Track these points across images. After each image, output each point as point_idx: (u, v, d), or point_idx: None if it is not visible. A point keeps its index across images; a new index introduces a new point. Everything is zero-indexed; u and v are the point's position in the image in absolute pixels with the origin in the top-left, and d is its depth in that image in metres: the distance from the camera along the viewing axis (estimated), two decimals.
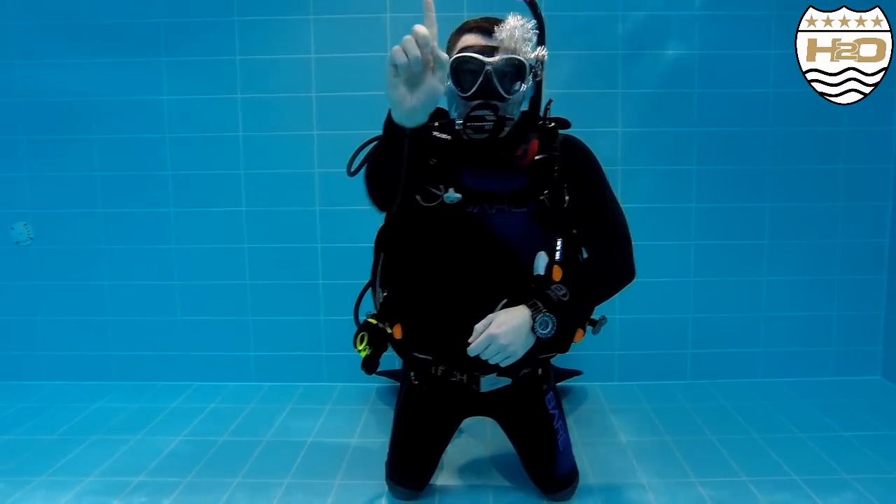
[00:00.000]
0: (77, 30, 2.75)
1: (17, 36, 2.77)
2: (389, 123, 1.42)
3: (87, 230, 2.86)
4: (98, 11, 2.74)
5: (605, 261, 1.75)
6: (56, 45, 2.76)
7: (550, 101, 1.72)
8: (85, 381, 2.89)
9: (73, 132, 2.81)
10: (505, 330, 1.53)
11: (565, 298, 1.60)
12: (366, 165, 1.60)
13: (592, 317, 1.85)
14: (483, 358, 1.55)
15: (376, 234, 1.84)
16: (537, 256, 1.63)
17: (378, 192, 1.57)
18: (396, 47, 1.31)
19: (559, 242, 1.66)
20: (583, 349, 1.94)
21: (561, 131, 1.72)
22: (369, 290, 1.92)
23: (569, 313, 1.62)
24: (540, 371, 1.86)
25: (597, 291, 1.75)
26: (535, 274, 1.62)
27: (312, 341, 2.88)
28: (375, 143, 1.56)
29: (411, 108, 1.37)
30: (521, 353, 1.56)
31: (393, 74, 1.34)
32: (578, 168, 1.72)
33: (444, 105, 1.76)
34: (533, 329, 1.56)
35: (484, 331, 1.54)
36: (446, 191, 1.61)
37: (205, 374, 2.90)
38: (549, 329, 1.57)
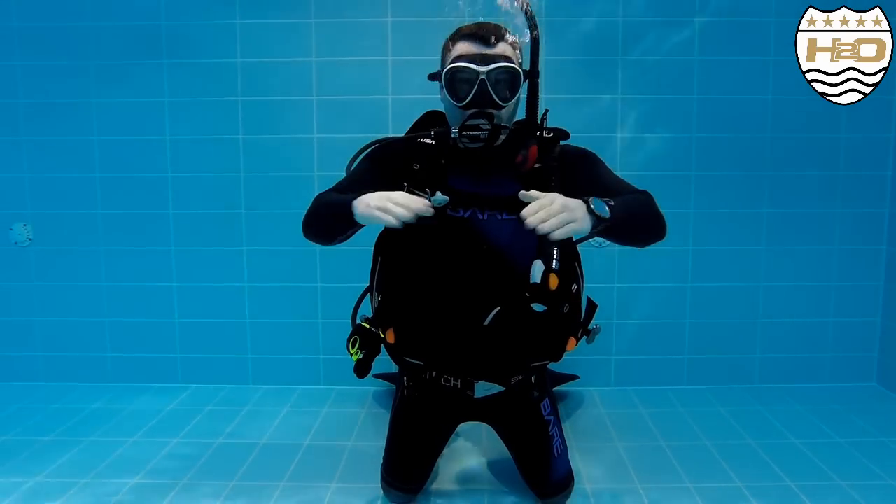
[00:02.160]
0: (79, 32, 2.75)
1: (18, 37, 2.77)
2: (349, 212, 1.52)
3: (86, 231, 2.86)
4: (100, 13, 2.74)
5: (629, 196, 1.65)
6: (57, 47, 2.77)
7: (547, 110, 1.72)
8: (82, 383, 2.90)
9: (73, 133, 2.81)
10: (564, 198, 1.43)
11: (609, 202, 1.50)
12: (311, 212, 1.69)
13: (588, 326, 1.84)
14: (542, 224, 1.40)
15: (376, 238, 1.84)
16: (533, 264, 1.55)
17: (312, 238, 1.73)
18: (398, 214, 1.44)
19: (556, 251, 1.64)
20: (579, 354, 1.94)
21: (561, 142, 1.72)
22: (368, 295, 1.92)
23: (618, 209, 1.51)
24: (533, 378, 1.86)
25: (633, 206, 1.61)
26: (531, 282, 1.58)
27: (310, 344, 2.88)
28: (327, 197, 1.67)
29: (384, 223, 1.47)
30: (582, 223, 1.43)
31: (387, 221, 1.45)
32: (576, 167, 1.72)
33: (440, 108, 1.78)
34: (590, 209, 1.45)
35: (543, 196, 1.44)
36: (433, 194, 1.60)
37: (202, 376, 2.90)
38: (605, 210, 1.45)
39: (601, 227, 1.48)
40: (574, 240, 1.78)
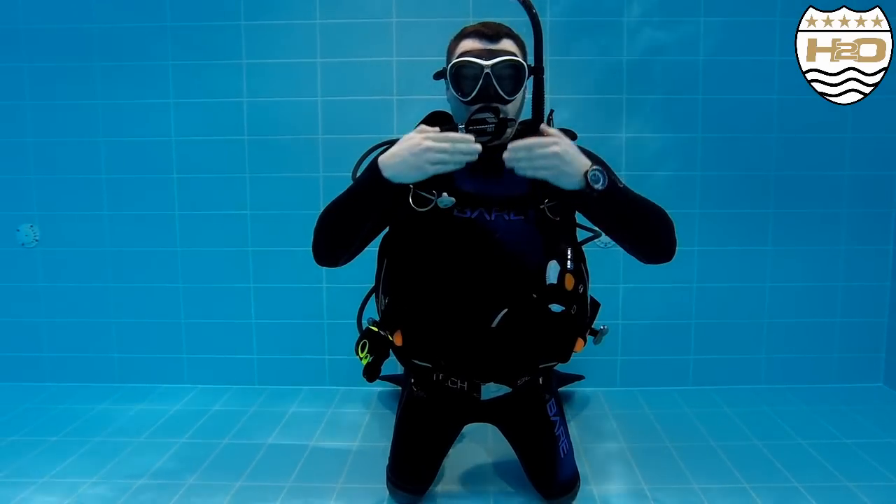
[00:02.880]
0: (85, 34, 2.77)
1: (25, 39, 2.79)
2: (374, 180, 1.51)
3: (92, 232, 2.87)
4: (105, 15, 2.75)
5: (647, 200, 1.66)
6: (63, 49, 2.78)
7: (552, 111, 1.72)
8: (89, 383, 2.91)
9: (79, 135, 2.82)
10: (567, 150, 1.47)
11: (618, 182, 1.53)
12: (319, 227, 1.64)
13: (594, 326, 1.84)
14: (523, 154, 1.46)
15: (381, 240, 1.84)
16: (549, 265, 1.60)
17: (327, 255, 1.66)
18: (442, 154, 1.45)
19: (569, 251, 1.65)
20: (585, 355, 1.94)
21: None
22: (373, 296, 1.92)
23: (619, 187, 1.55)
24: (541, 380, 1.86)
25: (639, 201, 1.62)
26: (547, 283, 1.60)
27: (315, 345, 2.88)
28: (335, 200, 1.62)
29: (425, 174, 1.49)
30: (565, 179, 1.47)
31: (430, 162, 1.45)
32: None
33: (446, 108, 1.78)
34: (586, 174, 1.48)
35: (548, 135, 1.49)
36: (439, 195, 1.61)
37: (208, 376, 2.91)
38: (601, 182, 1.48)
39: (590, 200, 1.49)
40: (579, 240, 1.79)
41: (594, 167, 1.48)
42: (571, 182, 1.48)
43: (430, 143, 1.46)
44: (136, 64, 2.78)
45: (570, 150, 1.48)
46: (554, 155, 1.45)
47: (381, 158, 1.52)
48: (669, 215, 1.66)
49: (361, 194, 1.57)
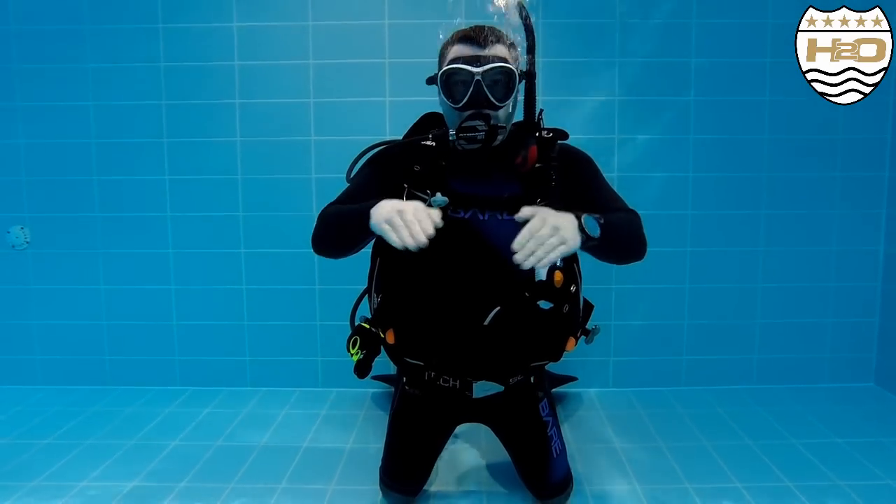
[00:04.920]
0: (76, 34, 2.75)
1: (16, 40, 2.77)
2: (365, 220, 1.49)
3: (83, 234, 2.86)
4: (97, 16, 2.74)
5: (620, 215, 1.66)
6: (55, 50, 2.77)
7: (542, 110, 1.73)
8: (80, 386, 2.89)
9: (70, 136, 2.81)
10: (555, 216, 1.40)
11: (600, 220, 1.49)
12: (322, 225, 1.67)
13: (586, 326, 1.85)
14: (532, 257, 1.37)
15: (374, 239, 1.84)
16: None
17: (325, 252, 1.70)
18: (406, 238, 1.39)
19: None
20: (578, 355, 1.94)
21: (559, 142, 1.73)
22: (366, 297, 1.92)
23: (607, 229, 1.50)
24: (532, 379, 1.86)
25: (621, 227, 1.61)
26: (536, 280, 1.59)
27: (308, 346, 2.88)
28: (337, 209, 1.64)
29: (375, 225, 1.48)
30: (573, 242, 1.40)
31: (387, 221, 1.42)
32: (574, 170, 1.73)
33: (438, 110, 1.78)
34: (580, 226, 1.43)
35: (533, 216, 1.40)
36: (433, 195, 1.61)
37: (200, 378, 2.90)
38: (596, 230, 1.45)
39: (589, 245, 1.46)
40: None
41: (581, 219, 1.44)
42: (575, 243, 1.42)
43: (407, 213, 1.39)
44: (127, 65, 2.77)
45: (555, 215, 1.40)
46: (554, 228, 1.38)
47: (374, 207, 1.48)
48: (638, 214, 1.71)
49: (353, 226, 1.56)
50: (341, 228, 1.63)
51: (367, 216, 1.48)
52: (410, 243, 1.36)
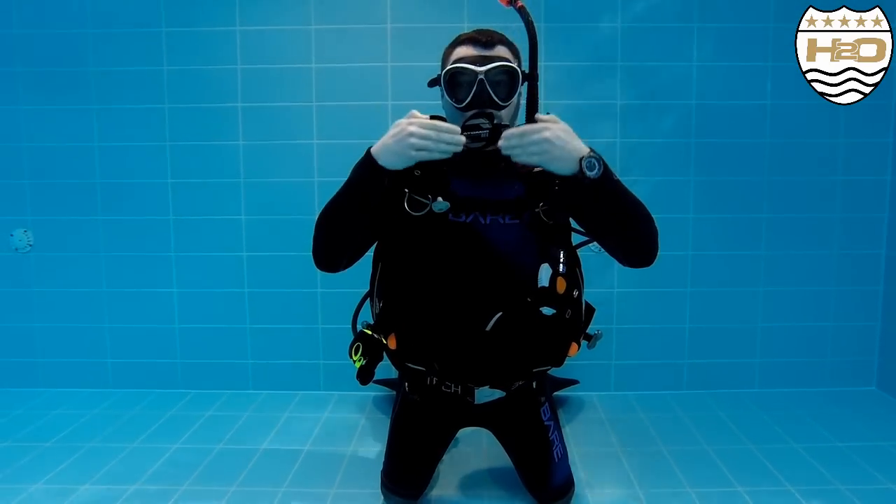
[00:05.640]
0: (79, 39, 2.76)
1: (20, 45, 2.78)
2: (368, 167, 1.52)
3: (86, 237, 2.86)
4: (100, 20, 2.75)
5: (637, 199, 1.65)
6: (58, 54, 2.78)
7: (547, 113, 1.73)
8: (82, 389, 2.90)
9: (73, 140, 2.82)
10: (558, 134, 1.48)
11: (607, 169, 1.51)
12: (318, 228, 1.64)
13: (587, 331, 1.84)
14: (515, 142, 1.48)
15: (376, 243, 1.85)
16: (541, 268, 1.60)
17: (328, 258, 1.67)
18: (424, 141, 1.47)
19: (562, 254, 1.65)
20: (579, 359, 1.94)
21: None
22: (368, 301, 1.92)
23: (613, 179, 1.54)
24: (534, 384, 1.86)
25: (627, 196, 1.59)
26: (539, 286, 1.60)
27: (310, 350, 2.88)
28: (337, 194, 1.61)
29: (409, 160, 1.50)
30: (556, 164, 1.48)
31: (413, 148, 1.47)
32: None
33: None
34: (581, 160, 1.47)
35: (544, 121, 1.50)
36: (434, 200, 1.61)
37: (202, 381, 2.90)
38: (595, 170, 1.48)
39: (585, 182, 1.48)
40: (574, 244, 1.79)
41: (591, 155, 1.48)
42: (564, 167, 1.49)
43: (414, 129, 1.47)
44: (130, 69, 2.77)
45: (562, 135, 1.48)
46: (544, 140, 1.46)
47: (373, 147, 1.54)
48: (656, 222, 1.66)
49: (356, 184, 1.57)
50: (341, 207, 1.59)
51: (370, 160, 1.53)
52: (456, 139, 1.47)
